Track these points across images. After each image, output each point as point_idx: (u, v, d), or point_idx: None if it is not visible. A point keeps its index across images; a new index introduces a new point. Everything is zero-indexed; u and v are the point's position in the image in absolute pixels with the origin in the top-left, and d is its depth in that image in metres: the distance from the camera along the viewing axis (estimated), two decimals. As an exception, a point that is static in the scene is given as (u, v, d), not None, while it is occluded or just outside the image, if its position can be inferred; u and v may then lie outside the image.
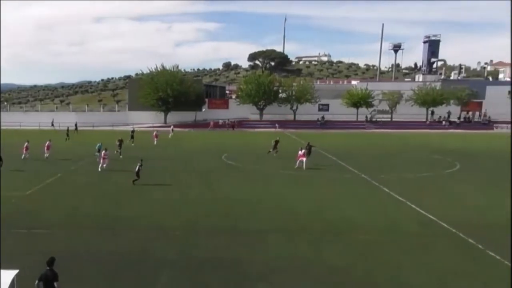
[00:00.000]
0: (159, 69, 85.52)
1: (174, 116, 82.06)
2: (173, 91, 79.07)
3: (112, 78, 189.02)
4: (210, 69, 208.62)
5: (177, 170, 35.43)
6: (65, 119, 76.14)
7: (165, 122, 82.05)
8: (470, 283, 14.90)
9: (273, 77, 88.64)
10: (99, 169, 34.64)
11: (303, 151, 36.39)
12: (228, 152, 45.87)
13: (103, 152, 36.10)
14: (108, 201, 25.49)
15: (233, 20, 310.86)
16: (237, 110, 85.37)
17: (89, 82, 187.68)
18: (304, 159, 35.64)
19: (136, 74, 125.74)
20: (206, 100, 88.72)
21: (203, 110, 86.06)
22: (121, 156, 41.30)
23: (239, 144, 55.44)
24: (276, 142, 43.92)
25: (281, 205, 24.71)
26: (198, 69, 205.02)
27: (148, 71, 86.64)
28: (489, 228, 20.66)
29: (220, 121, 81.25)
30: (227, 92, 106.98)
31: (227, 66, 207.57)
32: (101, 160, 35.33)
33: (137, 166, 29.92)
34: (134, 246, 17.99)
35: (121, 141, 43.79)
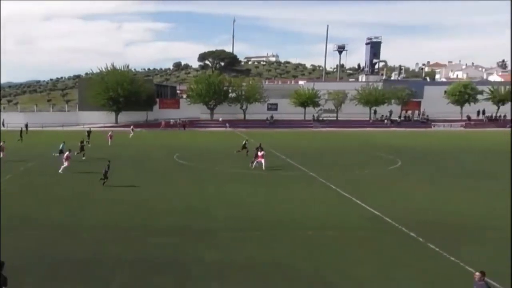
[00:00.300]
0: (109, 69, 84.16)
1: (125, 116, 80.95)
2: (123, 90, 77.95)
3: (62, 77, 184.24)
4: (161, 69, 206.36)
5: (129, 170, 35.04)
6: (14, 120, 73.89)
7: (116, 122, 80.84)
8: (412, 274, 15.38)
9: (223, 77, 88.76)
10: (61, 171, 33.48)
11: (262, 152, 35.92)
12: (180, 151, 45.66)
13: (66, 153, 34.83)
14: (61, 202, 24.95)
15: (183, 20, 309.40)
16: (188, 109, 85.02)
17: (38, 81, 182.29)
18: (263, 160, 35.33)
19: (86, 74, 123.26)
20: (157, 100, 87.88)
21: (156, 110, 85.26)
22: (84, 158, 40.18)
23: (190, 143, 55.23)
24: (245, 142, 43.48)
25: (233, 204, 24.81)
26: (149, 69, 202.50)
27: (98, 71, 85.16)
28: (429, 222, 21.35)
29: (171, 120, 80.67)
30: (178, 92, 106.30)
31: (178, 66, 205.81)
32: (64, 161, 33.98)
33: (105, 167, 29.27)
34: (87, 248, 17.69)
35: (82, 142, 42.69)
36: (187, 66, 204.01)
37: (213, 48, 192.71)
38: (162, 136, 64.93)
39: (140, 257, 16.81)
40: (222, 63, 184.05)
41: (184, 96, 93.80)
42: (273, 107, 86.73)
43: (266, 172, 33.79)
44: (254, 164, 35.64)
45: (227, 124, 78.10)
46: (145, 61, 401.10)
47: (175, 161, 40.22)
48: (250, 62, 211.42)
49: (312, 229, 20.26)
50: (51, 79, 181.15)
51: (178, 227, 20.44)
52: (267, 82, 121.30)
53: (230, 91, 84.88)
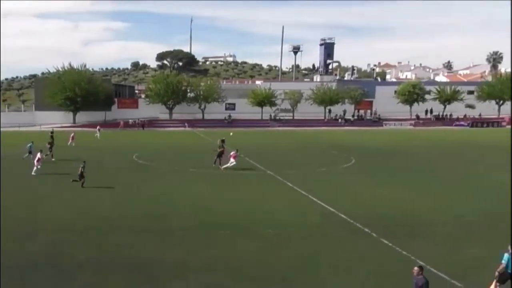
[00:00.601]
0: (66, 68, 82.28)
1: (84, 116, 79.33)
2: (81, 90, 76.37)
3: (17, 77, 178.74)
4: (119, 68, 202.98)
5: (88, 170, 34.30)
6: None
7: (74, 122, 79.16)
8: (368, 269, 15.67)
9: (181, 77, 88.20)
10: (33, 173, 32.29)
11: (234, 152, 35.19)
12: (139, 151, 45.06)
13: (38, 154, 33.22)
14: (19, 204, 24.31)
15: (140, 19, 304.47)
16: (147, 109, 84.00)
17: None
18: (233, 159, 34.62)
19: (43, 73, 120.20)
20: (116, 99, 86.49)
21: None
22: (53, 159, 38.68)
23: (150, 143, 54.60)
24: (222, 141, 40.57)
25: (193, 203, 24.69)
26: (107, 69, 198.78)
27: (55, 70, 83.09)
28: (382, 218, 21.82)
29: (130, 120, 79.49)
30: (136, 91, 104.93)
31: (136, 65, 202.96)
32: (36, 163, 32.56)
33: (80, 168, 28.49)
34: (46, 249, 17.30)
35: (51, 143, 41.15)
36: (145, 66, 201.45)
37: (171, 48, 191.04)
38: (121, 136, 63.96)
39: (99, 258, 16.51)
40: (180, 63, 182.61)
41: (143, 96, 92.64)
42: (231, 106, 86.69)
43: (225, 171, 33.77)
44: (229, 164, 34.57)
45: (186, 124, 77.64)
46: (103, 61, 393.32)
47: (134, 161, 39.70)
48: (208, 62, 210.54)
49: (271, 227, 20.36)
50: (6, 79, 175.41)
51: (137, 228, 20.17)
52: (224, 82, 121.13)
53: (188, 91, 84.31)
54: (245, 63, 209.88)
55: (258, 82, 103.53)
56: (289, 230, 19.95)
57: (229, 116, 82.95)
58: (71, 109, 78.69)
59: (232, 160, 34.57)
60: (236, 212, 22.88)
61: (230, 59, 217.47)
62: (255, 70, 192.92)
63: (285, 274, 15.26)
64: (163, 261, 16.32)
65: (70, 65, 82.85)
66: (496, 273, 13.17)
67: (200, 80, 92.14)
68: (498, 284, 13.19)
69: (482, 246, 17.95)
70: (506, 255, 13.17)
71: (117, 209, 23.27)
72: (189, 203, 24.75)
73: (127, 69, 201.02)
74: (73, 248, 17.53)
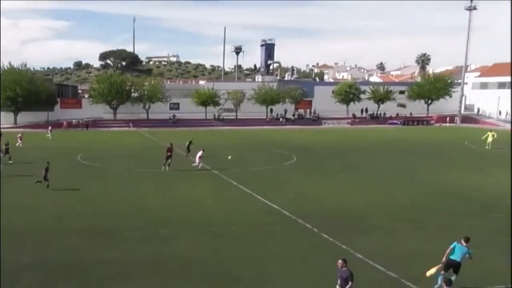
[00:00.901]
0: (5, 68, 78.98)
1: (25, 117, 76.35)
2: (22, 90, 73.32)
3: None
4: (61, 68, 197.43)
5: (31, 172, 33.26)
6: None
7: (16, 123, 76.04)
8: (310, 263, 16.13)
9: (125, 77, 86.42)
10: None
11: (200, 152, 35.25)
12: (83, 152, 44.04)
13: None
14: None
15: (82, 18, 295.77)
16: (91, 109, 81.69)
17: None
18: (198, 160, 34.82)
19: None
20: (58, 99, 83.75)
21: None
22: (10, 161, 36.78)
23: (94, 144, 53.38)
24: (189, 143, 41.03)
25: (137, 203, 24.47)
26: (48, 68, 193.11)
27: (-7, 69, 79.54)
28: (323, 213, 22.43)
29: (73, 121, 77.18)
30: (80, 91, 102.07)
31: (78, 65, 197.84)
32: None
33: (43, 170, 27.49)
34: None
35: (7, 145, 39.09)
36: (88, 66, 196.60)
37: (114, 48, 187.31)
38: (65, 136, 62.04)
39: (43, 261, 16.14)
40: (124, 63, 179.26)
41: (86, 95, 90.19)
42: (175, 106, 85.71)
43: (170, 171, 33.61)
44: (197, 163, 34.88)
45: (131, 124, 76.30)
46: (44, 60, 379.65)
47: (79, 162, 38.81)
48: (151, 62, 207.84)
49: (217, 225, 20.55)
50: None
51: (81, 229, 19.80)
52: (168, 82, 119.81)
53: (132, 90, 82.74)
54: (189, 63, 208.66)
55: (201, 82, 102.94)
56: (234, 228, 20.18)
57: (174, 116, 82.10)
58: (11, 110, 75.56)
59: (198, 160, 34.83)
60: (181, 211, 22.88)
61: (173, 59, 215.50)
62: (199, 70, 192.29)
63: (231, 272, 15.42)
64: (107, 261, 16.16)
65: (10, 64, 79.70)
66: (443, 260, 13.97)
67: (144, 80, 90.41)
68: (443, 271, 13.86)
69: (416, 238, 18.87)
70: (454, 243, 14.04)
71: (60, 211, 22.71)
72: (133, 203, 24.48)
73: (69, 68, 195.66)
74: (16, 251, 17.00)
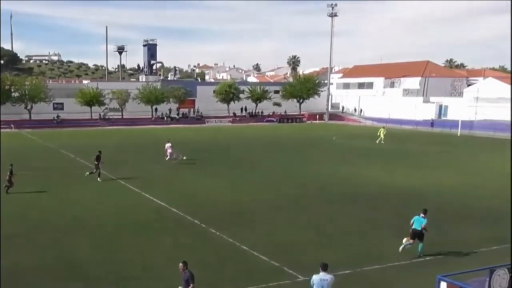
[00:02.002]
0: None
1: None
2: None
3: None
4: None
5: None
6: None
7: None
8: (200, 257, 15.99)
9: (4, 76, 79.52)
10: None
11: (168, 143, 36.50)
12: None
13: None
14: None
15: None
16: (-35, 110, 74.24)
17: None
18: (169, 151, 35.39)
19: None
20: None
21: None
22: None
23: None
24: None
25: (26, 207, 22.93)
26: None
27: None
28: (210, 209, 22.64)
29: None
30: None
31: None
32: None
33: (7, 173, 24.89)
34: None
35: None
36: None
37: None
38: None
39: None
40: (2, 61, 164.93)
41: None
42: (59, 106, 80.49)
43: (57, 172, 31.81)
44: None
45: (12, 125, 70.47)
46: None
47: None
48: (31, 61, 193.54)
49: (108, 226, 19.89)
50: None
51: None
52: (51, 82, 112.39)
53: (12, 90, 76.43)
54: (71, 62, 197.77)
55: (85, 82, 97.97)
56: (124, 227, 19.68)
57: (58, 116, 77.30)
58: None
59: (169, 151, 36.26)
60: (72, 214, 21.77)
61: (55, 58, 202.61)
62: (82, 70, 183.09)
63: (122, 272, 15.02)
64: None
65: None
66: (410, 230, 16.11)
67: (24, 79, 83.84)
68: (410, 239, 16.01)
69: (295, 229, 19.73)
70: (415, 216, 16.23)
71: None
72: (21, 207, 22.86)
73: None
74: None
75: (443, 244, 17.51)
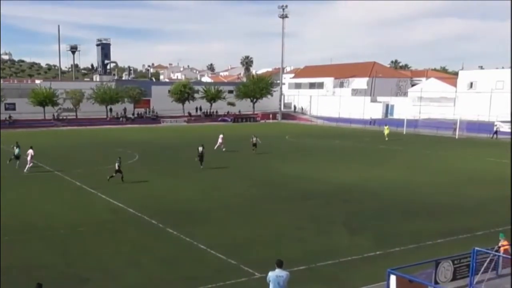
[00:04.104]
0: None
1: None
2: None
3: None
4: None
5: None
6: None
7: None
8: (157, 258, 15.93)
9: (-48, 76, 75.96)
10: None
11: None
12: None
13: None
14: None
15: None
16: None
17: None
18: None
19: None
20: None
21: None
22: None
23: None
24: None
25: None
26: None
27: None
28: (166, 209, 22.32)
29: None
30: None
31: None
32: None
33: (116, 163, 24.42)
34: None
35: None
36: None
37: None
38: None
39: None
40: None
41: None
42: (11, 106, 77.07)
43: (13, 174, 30.48)
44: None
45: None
46: None
47: None
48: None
49: (63, 227, 19.22)
50: None
51: None
52: (2, 81, 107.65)
53: (-40, 90, 72.93)
54: (23, 61, 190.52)
55: (38, 81, 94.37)
56: (80, 229, 19.08)
57: (10, 116, 74.23)
58: None
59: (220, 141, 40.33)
60: (24, 216, 20.96)
61: (5, 57, 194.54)
62: (34, 69, 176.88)
63: (80, 274, 14.58)
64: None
65: None
66: None
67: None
68: None
69: (250, 227, 19.74)
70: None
71: None
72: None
73: None
74: None
75: (393, 238, 17.96)
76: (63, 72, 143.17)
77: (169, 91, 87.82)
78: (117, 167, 28.15)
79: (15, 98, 78.05)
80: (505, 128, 60.03)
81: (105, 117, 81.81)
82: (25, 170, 31.61)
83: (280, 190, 26.89)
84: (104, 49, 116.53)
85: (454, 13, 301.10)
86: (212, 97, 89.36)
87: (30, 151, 32.15)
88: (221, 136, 43.85)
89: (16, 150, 33.59)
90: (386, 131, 55.73)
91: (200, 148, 34.14)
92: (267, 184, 28.65)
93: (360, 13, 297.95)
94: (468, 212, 22.35)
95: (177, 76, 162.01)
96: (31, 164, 32.08)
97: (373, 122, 76.45)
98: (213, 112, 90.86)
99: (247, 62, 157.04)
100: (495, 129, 59.41)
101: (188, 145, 48.89)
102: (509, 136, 51.59)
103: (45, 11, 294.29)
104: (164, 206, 22.91)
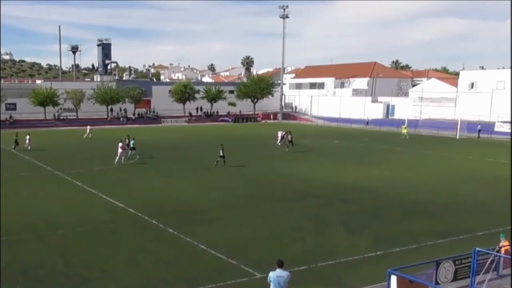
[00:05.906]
0: None
1: None
2: None
3: None
4: None
5: None
6: None
7: None
8: (157, 258, 15.90)
9: (-47, 76, 75.93)
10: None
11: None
12: None
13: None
14: None
15: None
16: None
17: None
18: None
19: None
20: None
21: None
22: None
23: None
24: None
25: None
26: None
27: None
28: (166, 209, 22.27)
29: None
30: None
31: None
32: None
33: (220, 150, 24.73)
34: None
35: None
36: None
37: None
38: None
39: None
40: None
41: None
42: (12, 106, 77.01)
43: (13, 175, 30.41)
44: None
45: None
46: None
47: None
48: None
49: (63, 227, 19.17)
50: None
51: None
52: (3, 81, 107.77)
53: (-38, 90, 72.87)
54: (24, 61, 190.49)
55: (38, 81, 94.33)
56: (81, 229, 19.05)
57: (10, 116, 74.18)
58: None
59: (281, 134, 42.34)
60: (24, 216, 20.89)
61: (6, 57, 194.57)
62: (34, 69, 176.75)
63: (80, 274, 14.53)
64: None
65: None
66: None
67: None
68: None
69: (251, 227, 19.68)
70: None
71: None
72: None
73: None
74: None
75: (393, 238, 17.92)
76: (63, 72, 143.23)
77: (169, 91, 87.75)
78: (221, 153, 32.92)
79: (15, 98, 78.03)
80: (505, 128, 60.16)
81: (105, 117, 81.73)
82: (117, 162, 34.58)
83: (280, 190, 26.85)
84: (105, 49, 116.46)
85: (454, 13, 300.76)
86: (213, 97, 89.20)
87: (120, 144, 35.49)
88: (283, 132, 47.43)
89: (131, 142, 39.09)
90: (404, 130, 57.44)
91: (221, 151, 34.17)
92: (267, 184, 28.62)
93: (360, 13, 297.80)
94: (469, 212, 22.32)
95: (178, 76, 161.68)
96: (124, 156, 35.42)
97: (369, 123, 76.43)
98: (213, 112, 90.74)
99: (247, 62, 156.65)
100: (478, 128, 60.05)
101: (188, 145, 49.13)
102: (508, 136, 51.59)
103: (45, 12, 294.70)
104: (164, 206, 22.87)
